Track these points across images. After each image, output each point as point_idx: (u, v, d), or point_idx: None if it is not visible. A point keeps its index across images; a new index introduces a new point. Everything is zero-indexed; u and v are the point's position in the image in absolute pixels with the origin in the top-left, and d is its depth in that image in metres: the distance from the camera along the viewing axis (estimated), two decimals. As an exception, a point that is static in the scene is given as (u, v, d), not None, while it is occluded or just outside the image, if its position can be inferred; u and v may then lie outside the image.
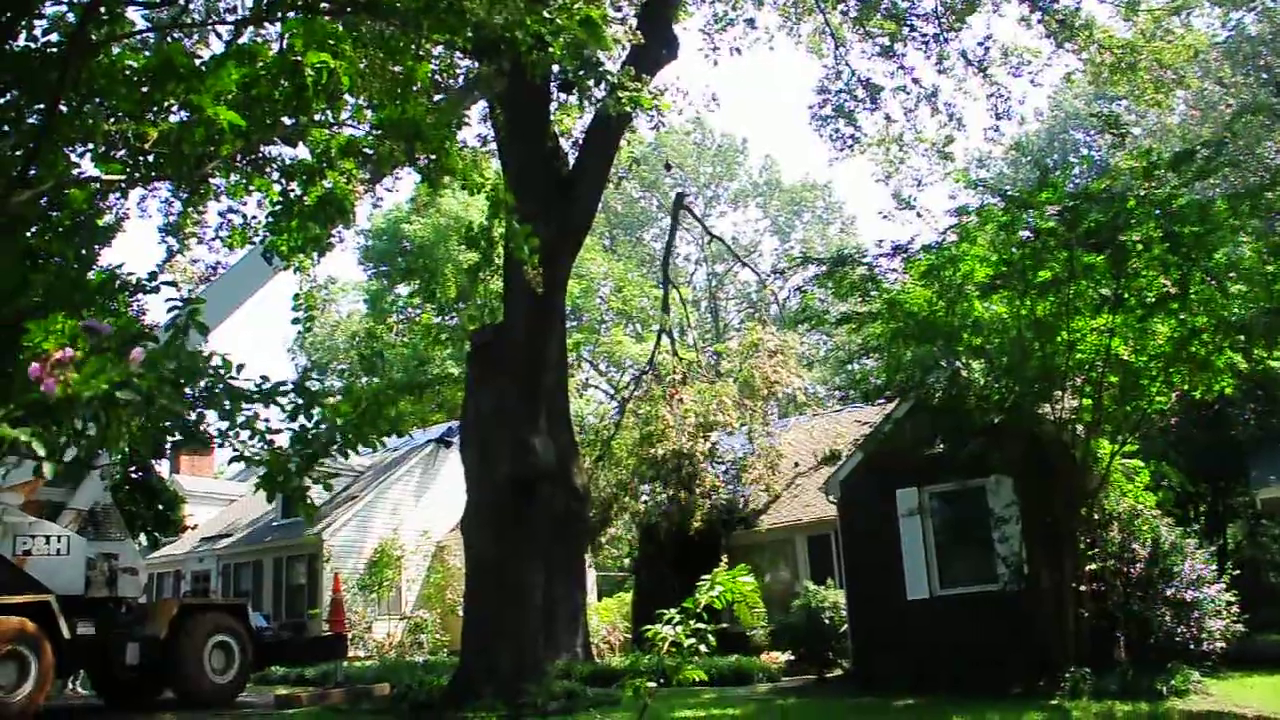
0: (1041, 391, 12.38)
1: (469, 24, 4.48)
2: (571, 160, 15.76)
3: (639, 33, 10.20)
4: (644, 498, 23.74)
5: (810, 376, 49.22)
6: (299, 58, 4.39)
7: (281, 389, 4.21)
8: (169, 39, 6.86)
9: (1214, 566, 13.31)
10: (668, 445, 22.65)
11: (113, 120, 4.60)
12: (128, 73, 4.29)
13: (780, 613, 19.42)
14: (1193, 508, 16.91)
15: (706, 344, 24.62)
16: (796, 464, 24.46)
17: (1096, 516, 12.68)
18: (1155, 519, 13.01)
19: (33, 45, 4.51)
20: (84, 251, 5.65)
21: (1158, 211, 10.65)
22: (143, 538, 21.99)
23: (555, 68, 12.22)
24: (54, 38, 4.72)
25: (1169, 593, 12.48)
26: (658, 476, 23.40)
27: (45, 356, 3.20)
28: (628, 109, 6.07)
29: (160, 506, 22.45)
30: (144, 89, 4.28)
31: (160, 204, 12.53)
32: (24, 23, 4.26)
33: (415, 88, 4.95)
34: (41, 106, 4.51)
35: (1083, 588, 12.15)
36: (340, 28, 4.58)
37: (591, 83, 5.29)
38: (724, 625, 6.28)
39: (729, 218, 59.28)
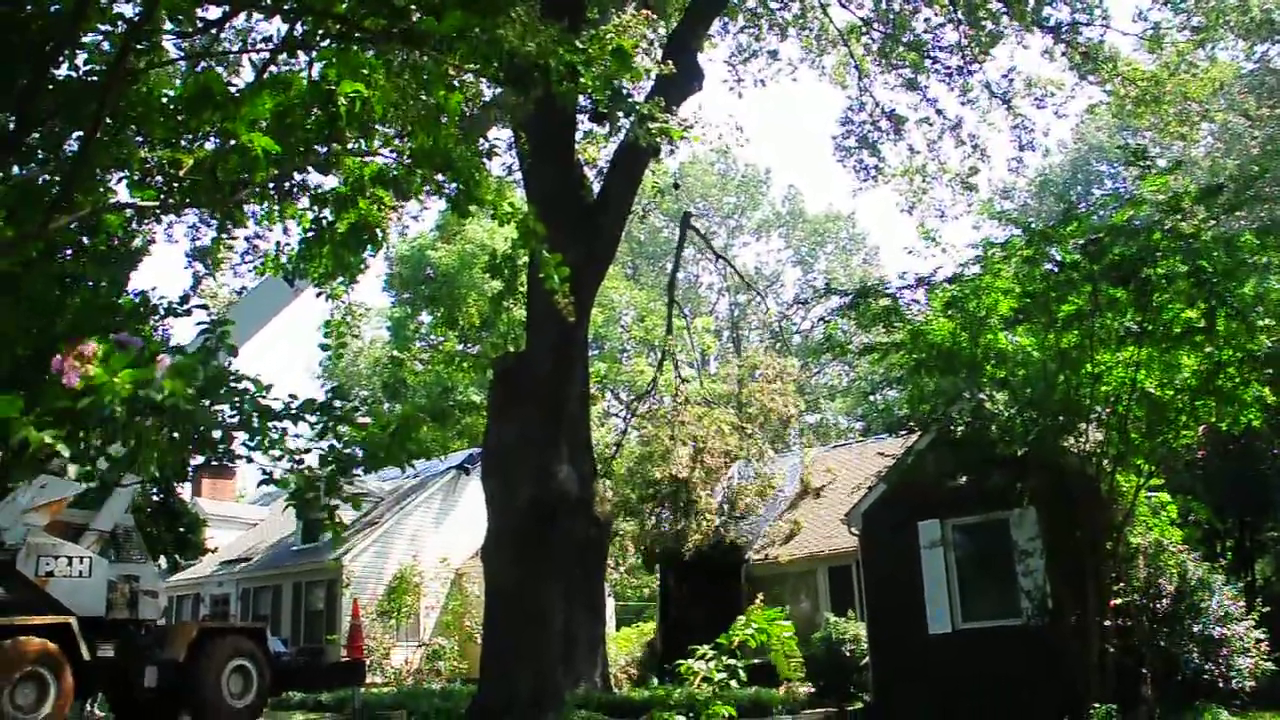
0: (1066, 424, 12.29)
1: (503, 52, 4.55)
2: (596, 189, 15.87)
3: (669, 63, 10.30)
4: (648, 521, 23.71)
5: (834, 407, 49.17)
6: (333, 86, 4.47)
7: (310, 407, 4.24)
8: (203, 68, 6.99)
9: (1242, 603, 13.12)
10: (665, 469, 22.67)
11: (148, 147, 4.68)
12: (164, 101, 4.38)
13: (801, 645, 19.30)
14: (1220, 543, 16.69)
15: (713, 374, 24.60)
16: (819, 494, 24.34)
17: (1122, 551, 12.54)
18: (1182, 554, 12.86)
19: (74, 74, 4.62)
20: (114, 273, 5.74)
21: (1184, 245, 10.61)
22: (163, 560, 22.10)
23: (582, 98, 12.35)
24: (94, 67, 4.83)
25: (1196, 629, 12.32)
26: (655, 498, 23.42)
27: (69, 352, 3.23)
28: (658, 140, 6.13)
29: (181, 529, 22.57)
30: (180, 117, 4.37)
31: (188, 229, 12.74)
32: (65, 53, 4.36)
33: (445, 118, 5.03)
34: (80, 134, 4.60)
35: (1108, 623, 12.00)
36: (374, 57, 4.67)
37: (621, 114, 5.34)
38: (755, 661, 6.25)
39: (752, 248, 59.43)
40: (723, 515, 24.99)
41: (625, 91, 5.47)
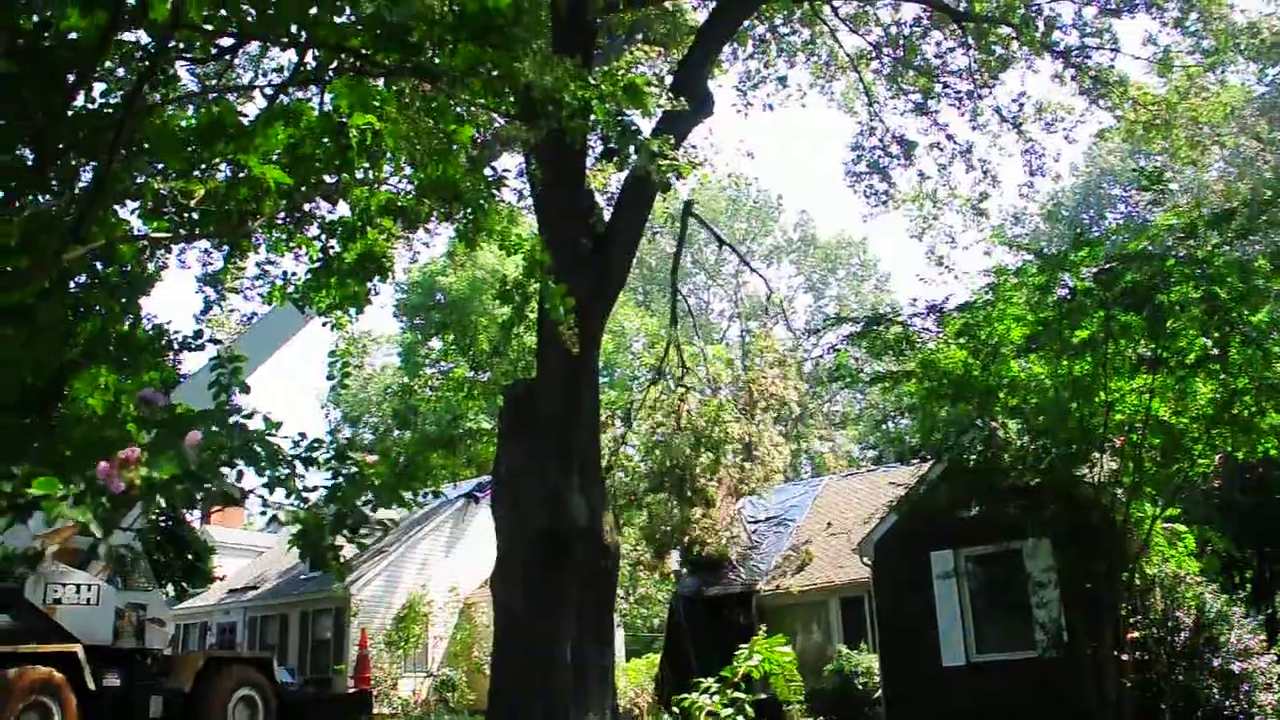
0: (1079, 453, 12.27)
1: (517, 87, 4.62)
2: (607, 215, 15.94)
3: (680, 99, 10.39)
4: (656, 510, 23.71)
5: (844, 435, 49.06)
6: (344, 119, 4.54)
7: (319, 448, 4.27)
8: (215, 98, 7.10)
9: (1262, 636, 13.03)
10: (667, 457, 22.71)
11: (162, 178, 4.76)
12: (178, 131, 4.45)
13: (813, 677, 19.18)
14: (1238, 574, 16.58)
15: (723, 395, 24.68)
16: (830, 524, 24.29)
17: (1139, 582, 12.48)
18: (1199, 586, 12.79)
19: (90, 106, 4.70)
20: (125, 300, 5.80)
21: (1197, 271, 10.60)
22: (170, 588, 22.11)
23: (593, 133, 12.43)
24: (110, 100, 4.92)
25: (1216, 663, 12.23)
26: (660, 488, 23.43)
27: (114, 459, 3.28)
28: (669, 176, 6.18)
29: (190, 557, 22.57)
30: (192, 148, 4.44)
31: (199, 255, 12.84)
32: (84, 85, 4.45)
33: (455, 148, 5.10)
34: (95, 165, 4.68)
35: (1125, 656, 11.92)
36: (385, 89, 4.74)
37: (632, 149, 5.39)
38: (761, 696, 6.23)
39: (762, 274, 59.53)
40: (731, 537, 24.98)
41: (634, 126, 5.53)
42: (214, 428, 3.81)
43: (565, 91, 4.73)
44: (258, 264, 12.58)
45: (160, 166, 4.77)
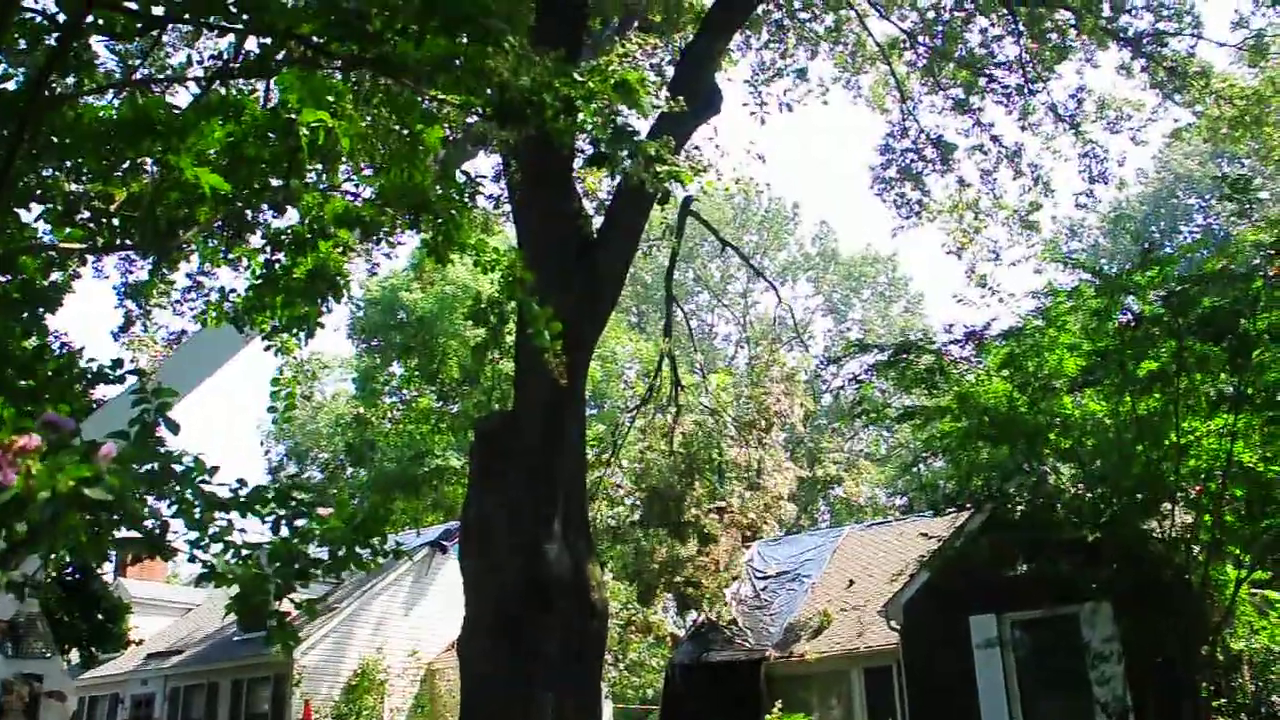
0: (1146, 504, 12.17)
1: (492, 85, 4.53)
2: (597, 224, 15.87)
3: (679, 99, 10.34)
4: (642, 544, 23.64)
5: (869, 479, 48.99)
6: (293, 115, 4.43)
7: (262, 496, 4.16)
8: (140, 84, 6.99)
9: (1374, 726, 12.85)
10: (653, 481, 22.65)
11: (74, 179, 4.64)
12: (95, 124, 4.33)
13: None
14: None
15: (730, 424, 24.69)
16: (852, 582, 24.15)
17: (1221, 658, 12.31)
18: (1299, 664, 12.61)
19: (-13, 94, 4.58)
20: (26, 317, 5.67)
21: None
22: (75, 654, 21.77)
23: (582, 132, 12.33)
24: (11, 83, 4.79)
25: (1321, 759, 12.05)
26: (649, 520, 23.37)
27: (7, 443, 3.18)
28: (666, 185, 6.08)
29: (100, 616, 22.25)
30: (112, 144, 4.33)
31: (118, 262, 12.62)
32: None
33: (422, 149, 5.00)
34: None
35: (1206, 746, 11.76)
36: (342, 82, 4.63)
37: (625, 154, 5.30)
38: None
39: (783, 304, 59.66)
40: (737, 600, 24.85)
41: (631, 132, 5.44)
42: (132, 445, 3.70)
43: (547, 92, 4.65)
44: (189, 275, 12.47)
45: (72, 165, 4.66)
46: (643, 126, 13.35)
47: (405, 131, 4.92)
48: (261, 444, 47.25)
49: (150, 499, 3.76)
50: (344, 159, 4.93)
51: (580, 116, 4.84)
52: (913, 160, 20.24)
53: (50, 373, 5.19)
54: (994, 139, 19.59)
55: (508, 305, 15.16)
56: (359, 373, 41.40)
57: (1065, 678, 14.85)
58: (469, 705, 14.61)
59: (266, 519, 4.07)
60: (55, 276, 6.04)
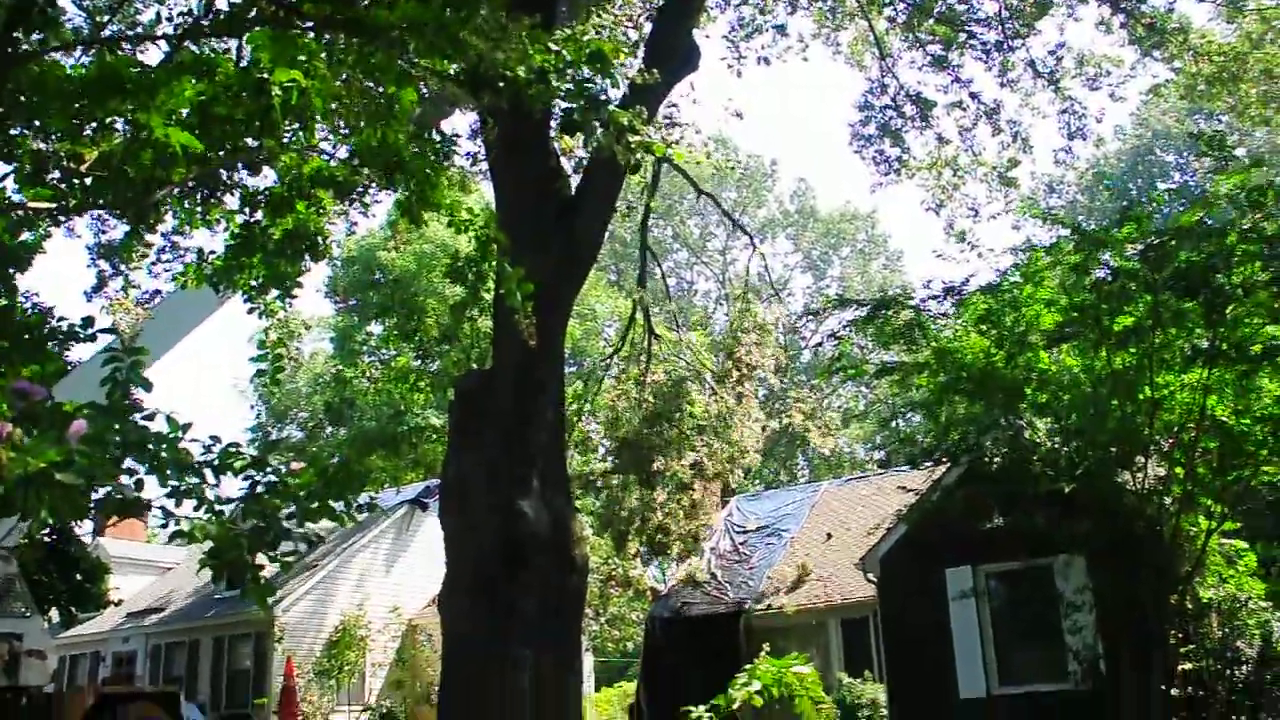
0: (1120, 457, 12.28)
1: (465, 51, 4.48)
2: (574, 183, 15.78)
3: (653, 71, 10.28)
4: (613, 494, 23.78)
5: (848, 435, 49.22)
6: (265, 75, 4.37)
7: (235, 454, 4.15)
8: (108, 42, 6.88)
9: (1342, 672, 13.01)
10: (622, 431, 22.74)
11: (43, 138, 4.57)
12: (64, 83, 4.26)
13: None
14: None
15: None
16: (830, 535, 24.32)
17: (1190, 607, 12.48)
18: (1265, 611, 12.76)
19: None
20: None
21: (1265, 248, 10.54)
22: (55, 613, 21.74)
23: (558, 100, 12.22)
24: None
25: (1286, 703, 12.22)
26: (619, 470, 23.50)
27: None
28: (637, 156, 6.04)
29: (79, 576, 22.22)
30: (82, 103, 4.25)
31: (91, 221, 12.41)
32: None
33: (397, 109, 4.94)
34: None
35: (1175, 692, 11.93)
36: (314, 42, 4.56)
37: (597, 125, 5.27)
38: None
39: (757, 255, 59.64)
40: (716, 555, 25.00)
41: (605, 100, 5.40)
42: (104, 417, 3.67)
43: (521, 65, 4.61)
44: (165, 235, 12.33)
45: (40, 123, 4.58)
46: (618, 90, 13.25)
47: (380, 91, 4.88)
48: (252, 408, 46.96)
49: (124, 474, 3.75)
50: (319, 119, 4.88)
51: (555, 84, 4.81)
52: (892, 117, 20.19)
53: (21, 333, 5.13)
54: (973, 96, 19.55)
55: (485, 264, 15.14)
56: (337, 332, 41.23)
57: (1039, 628, 15.03)
58: (449, 662, 14.69)
59: (239, 476, 4.06)
60: (26, 236, 5.96)
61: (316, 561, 28.70)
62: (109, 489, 3.83)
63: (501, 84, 4.72)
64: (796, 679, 5.83)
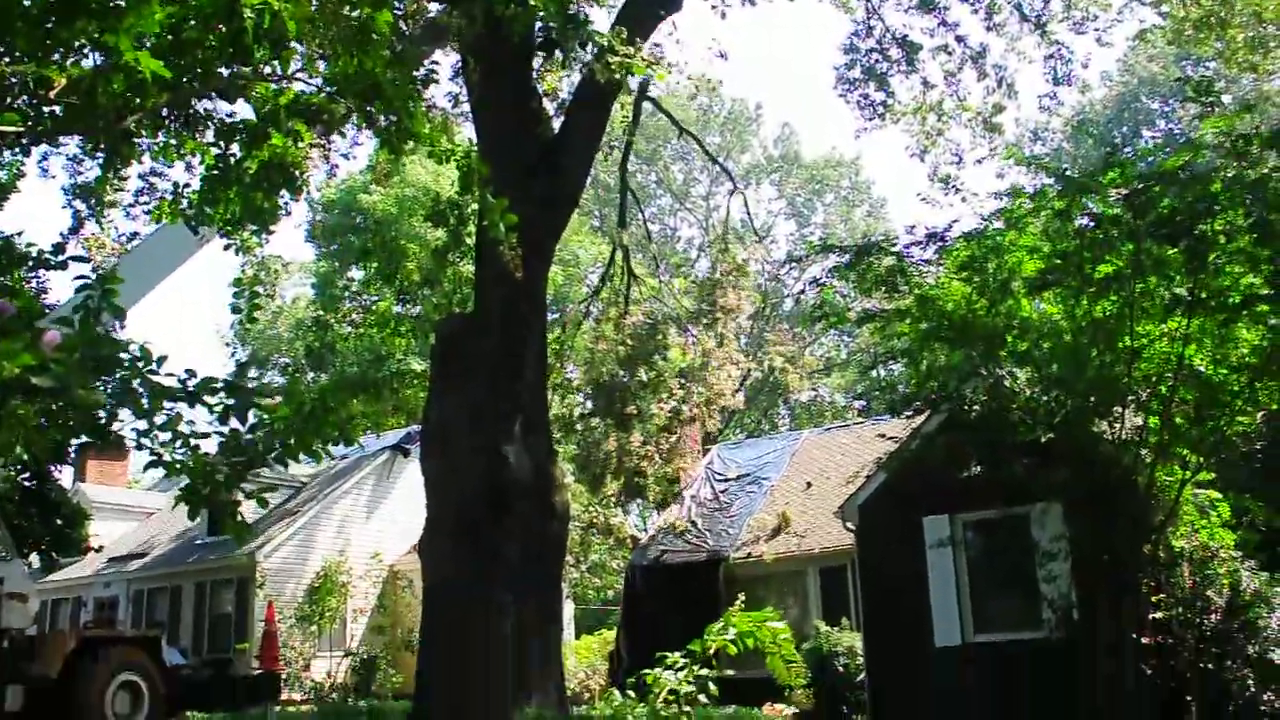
0: (1098, 406, 12.30)
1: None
2: (557, 125, 15.66)
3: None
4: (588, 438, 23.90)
5: (829, 383, 49.35)
6: (235, -2, 4.29)
7: (211, 386, 4.13)
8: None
9: (1308, 621, 13.14)
10: (598, 373, 22.80)
11: (9, 62, 4.48)
12: (26, 3, 4.16)
13: (787, 657, 19.40)
14: (1281, 549, 16.78)
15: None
16: (810, 484, 24.44)
17: (1163, 556, 12.58)
18: (1234, 561, 12.86)
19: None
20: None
21: (1248, 195, 10.47)
22: (35, 558, 21.75)
23: (537, 23, 12.05)
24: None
25: (1251, 650, 12.31)
26: (595, 412, 23.61)
27: None
28: (617, 75, 5.97)
29: (59, 521, 22.20)
30: (47, 26, 4.16)
31: (67, 161, 12.27)
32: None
33: (374, 37, 4.85)
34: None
35: (1146, 640, 12.04)
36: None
37: (578, 44, 5.19)
38: (729, 673, 6.22)
39: (738, 196, 59.38)
40: (696, 503, 25.12)
41: (584, 19, 5.30)
42: (77, 334, 3.63)
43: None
44: (142, 176, 12.18)
45: (4, 46, 4.49)
46: (604, 23, 13.09)
47: (354, 14, 4.79)
48: (227, 345, 46.75)
49: (98, 389, 3.72)
50: (292, 44, 4.79)
51: (531, 2, 4.72)
52: (877, 60, 20.04)
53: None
54: (959, 39, 19.42)
55: (467, 207, 15.07)
56: (318, 277, 41.03)
57: (1014, 576, 15.13)
58: (430, 606, 14.74)
59: (215, 409, 4.03)
60: (0, 175, 5.87)
61: (298, 508, 28.75)
62: (81, 419, 3.81)
63: (476, -3, 4.63)
64: (770, 634, 5.84)
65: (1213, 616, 12.54)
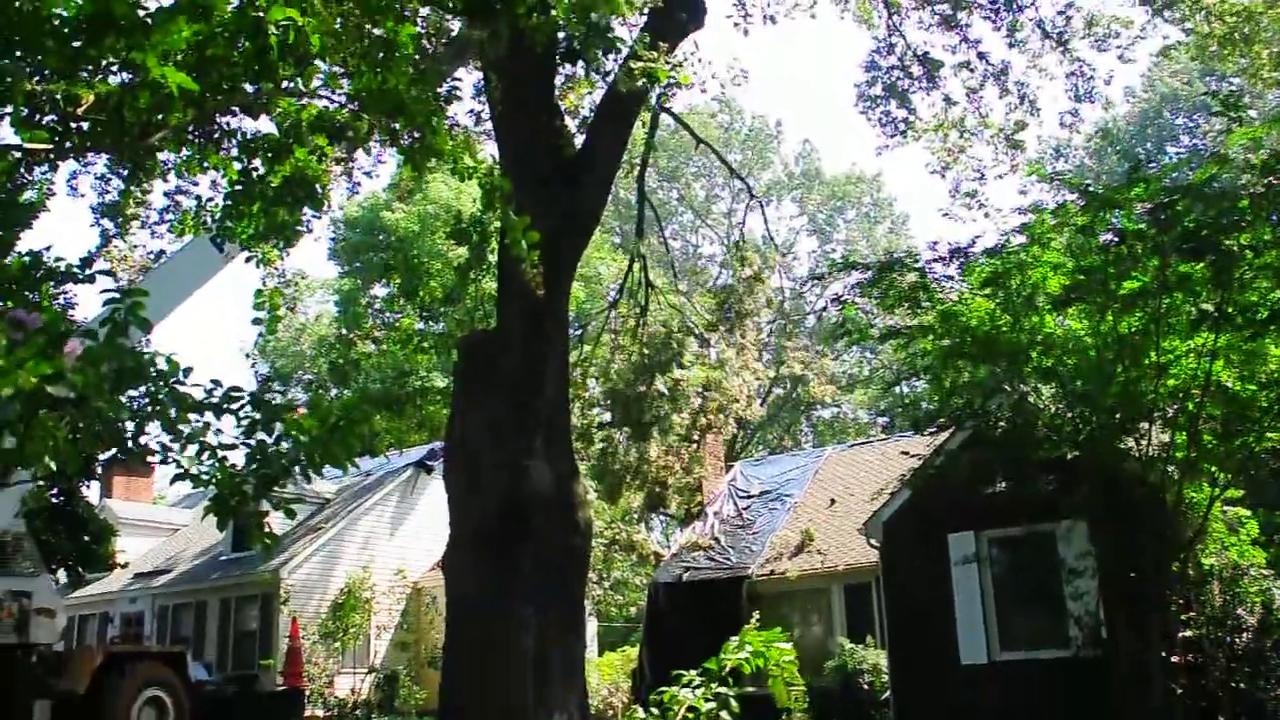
0: (1124, 423, 12.23)
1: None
2: (579, 142, 15.70)
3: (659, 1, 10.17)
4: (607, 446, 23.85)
5: (852, 400, 49.20)
6: (261, 13, 4.31)
7: (236, 398, 4.14)
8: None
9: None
10: (612, 383, 22.76)
11: (38, 79, 4.52)
12: (56, 23, 4.20)
13: (811, 674, 19.27)
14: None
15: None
16: (833, 501, 24.36)
17: (1192, 574, 12.47)
18: (1266, 579, 12.75)
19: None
20: (1, 233, 5.58)
21: (1275, 211, 10.42)
22: (62, 573, 21.86)
23: (560, 35, 12.09)
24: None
25: (1285, 670, 12.21)
26: (613, 422, 23.58)
27: None
28: (641, 83, 5.98)
29: (86, 537, 22.32)
30: (76, 43, 4.20)
31: (94, 180, 12.44)
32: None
33: (397, 54, 4.88)
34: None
35: (1175, 659, 11.93)
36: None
37: (600, 52, 5.21)
38: (750, 690, 6.18)
39: (758, 213, 59.43)
40: (720, 519, 25.06)
41: (606, 27, 5.32)
42: (101, 345, 3.65)
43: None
44: (167, 194, 12.29)
45: (32, 63, 4.52)
46: (627, 39, 13.14)
47: (377, 31, 4.81)
48: (247, 356, 46.93)
49: (122, 401, 3.74)
50: (316, 60, 4.82)
51: (553, 12, 4.73)
52: (898, 77, 20.03)
53: (18, 274, 5.10)
54: (980, 56, 19.39)
55: (490, 224, 15.13)
56: (341, 294, 41.23)
57: (1040, 594, 15.03)
58: (453, 622, 14.74)
59: (242, 420, 4.04)
60: (30, 195, 5.92)
61: (322, 524, 28.82)
62: (105, 431, 3.82)
63: (499, 5, 4.63)
64: (777, 654, 5.81)
65: (1244, 636, 12.42)
